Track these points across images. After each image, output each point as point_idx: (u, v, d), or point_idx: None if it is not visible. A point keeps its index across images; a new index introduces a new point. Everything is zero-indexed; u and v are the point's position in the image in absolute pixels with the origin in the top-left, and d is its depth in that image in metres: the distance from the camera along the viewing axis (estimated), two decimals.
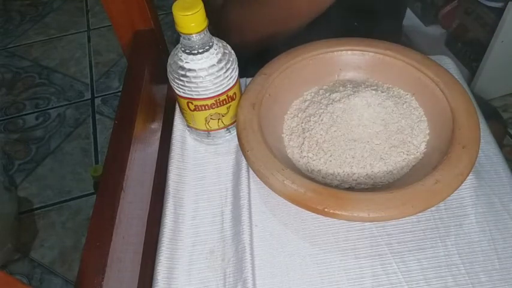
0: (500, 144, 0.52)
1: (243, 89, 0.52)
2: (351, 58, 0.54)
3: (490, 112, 0.71)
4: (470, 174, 0.43)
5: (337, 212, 0.40)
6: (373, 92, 0.51)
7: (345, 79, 0.55)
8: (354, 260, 0.43)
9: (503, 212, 0.46)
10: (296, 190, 0.42)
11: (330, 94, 0.52)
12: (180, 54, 0.46)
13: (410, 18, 1.48)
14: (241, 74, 0.50)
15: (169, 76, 0.47)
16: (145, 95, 0.52)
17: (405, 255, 0.43)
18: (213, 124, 0.50)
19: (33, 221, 1.35)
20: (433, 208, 0.42)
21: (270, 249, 0.44)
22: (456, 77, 0.52)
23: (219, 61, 0.46)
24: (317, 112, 0.51)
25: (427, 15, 1.45)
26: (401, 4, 0.74)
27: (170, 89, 0.49)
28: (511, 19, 1.14)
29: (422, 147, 0.48)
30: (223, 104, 0.48)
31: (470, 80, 1.33)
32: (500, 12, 1.16)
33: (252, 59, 0.55)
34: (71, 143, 1.55)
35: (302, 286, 0.42)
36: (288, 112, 0.53)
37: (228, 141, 0.53)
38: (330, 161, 0.47)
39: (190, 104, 0.48)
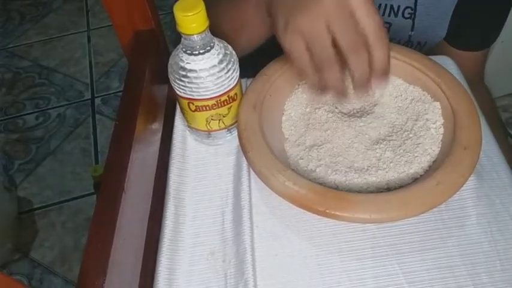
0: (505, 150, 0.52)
1: (244, 90, 0.52)
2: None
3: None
4: (471, 176, 0.43)
5: (338, 213, 0.40)
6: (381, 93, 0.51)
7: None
8: (355, 261, 0.43)
9: (504, 213, 0.45)
10: (297, 191, 0.42)
11: None
12: (181, 55, 0.45)
13: None
14: (242, 75, 0.50)
15: (170, 76, 0.47)
16: (146, 95, 0.52)
17: (407, 256, 0.43)
18: (214, 125, 0.50)
19: (33, 221, 1.35)
20: (434, 209, 0.42)
21: (271, 250, 0.44)
22: (457, 77, 0.52)
23: (220, 62, 0.46)
24: (318, 113, 0.51)
25: None
26: None
27: (171, 89, 0.49)
28: (510, 19, 1.14)
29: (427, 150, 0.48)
30: (224, 105, 0.48)
31: None
32: None
33: (253, 60, 0.55)
34: (71, 143, 1.55)
35: (303, 287, 0.42)
36: (289, 113, 0.53)
37: (229, 141, 0.53)
38: (332, 162, 0.47)
39: (191, 104, 0.48)
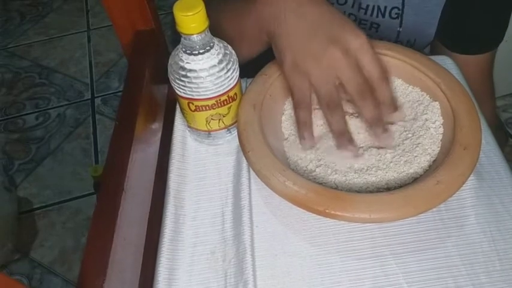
0: (502, 148, 0.52)
1: (243, 90, 0.52)
2: None
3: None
4: (471, 175, 0.43)
5: (338, 213, 0.40)
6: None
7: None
8: (355, 261, 0.43)
9: (504, 213, 0.45)
10: (297, 191, 0.42)
11: None
12: (180, 55, 0.45)
13: None
14: (242, 74, 0.50)
15: (170, 76, 0.47)
16: (146, 95, 0.52)
17: (406, 256, 0.43)
18: (214, 124, 0.50)
19: (33, 221, 1.35)
20: (433, 209, 0.42)
21: (271, 250, 0.44)
22: (457, 77, 0.52)
23: (220, 61, 0.46)
24: (318, 113, 0.51)
25: None
26: None
27: (171, 89, 0.49)
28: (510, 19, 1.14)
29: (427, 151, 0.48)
30: (224, 105, 0.48)
31: None
32: None
33: (253, 59, 0.55)
34: (71, 143, 1.55)
35: (303, 287, 0.42)
36: (289, 113, 0.53)
37: (229, 141, 0.53)
38: (332, 162, 0.47)
39: (191, 104, 0.48)
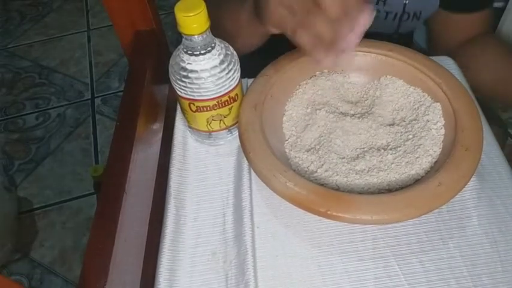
0: (502, 147, 0.52)
1: (244, 90, 0.52)
2: (354, 59, 0.54)
3: (491, 116, 0.71)
4: (472, 177, 0.43)
5: (340, 214, 0.40)
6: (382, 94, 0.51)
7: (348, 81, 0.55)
8: (357, 262, 0.43)
9: (505, 214, 0.45)
10: (298, 192, 0.41)
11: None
12: (182, 55, 0.45)
13: None
14: (243, 75, 0.50)
15: (171, 77, 0.47)
16: (147, 96, 0.52)
17: (408, 257, 0.43)
18: (215, 125, 0.50)
19: (33, 221, 1.35)
20: (435, 210, 0.42)
21: (272, 251, 0.44)
22: (458, 78, 0.52)
23: (221, 62, 0.45)
24: (319, 114, 0.51)
25: None
26: None
27: (171, 89, 0.49)
28: (511, 19, 1.14)
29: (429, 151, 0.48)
30: (225, 105, 0.48)
31: None
32: (500, 12, 1.15)
33: (254, 60, 0.55)
34: (71, 143, 1.55)
35: None
36: (290, 113, 0.53)
37: (230, 142, 0.53)
38: (333, 163, 0.47)
39: (192, 105, 0.48)
